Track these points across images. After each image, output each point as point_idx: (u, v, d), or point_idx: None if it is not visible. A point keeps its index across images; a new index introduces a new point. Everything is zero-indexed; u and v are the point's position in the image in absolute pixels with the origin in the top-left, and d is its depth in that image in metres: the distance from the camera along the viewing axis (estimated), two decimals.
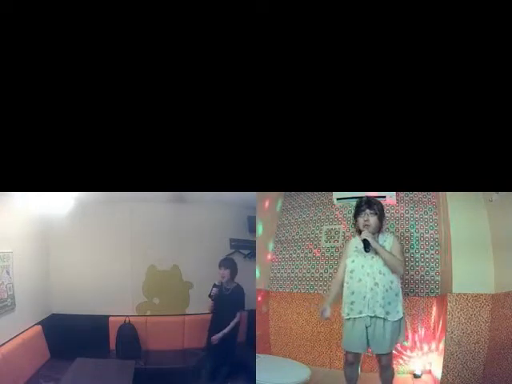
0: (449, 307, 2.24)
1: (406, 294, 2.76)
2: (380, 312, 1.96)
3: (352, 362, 2.07)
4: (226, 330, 2.49)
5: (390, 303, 1.97)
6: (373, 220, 2.01)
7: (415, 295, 2.75)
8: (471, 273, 2.25)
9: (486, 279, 2.21)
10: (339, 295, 2.11)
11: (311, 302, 3.02)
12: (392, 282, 1.99)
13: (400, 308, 2.00)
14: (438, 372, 2.35)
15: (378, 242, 2.02)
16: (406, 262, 2.21)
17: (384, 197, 2.89)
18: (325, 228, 3.16)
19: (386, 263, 1.98)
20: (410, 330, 2.68)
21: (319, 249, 3.14)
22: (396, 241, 2.10)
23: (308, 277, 3.12)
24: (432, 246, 2.81)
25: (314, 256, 3.14)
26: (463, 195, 2.33)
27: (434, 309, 2.67)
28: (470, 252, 2.28)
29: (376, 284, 1.98)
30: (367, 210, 2.02)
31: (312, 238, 3.19)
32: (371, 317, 1.97)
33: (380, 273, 1.99)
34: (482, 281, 2.21)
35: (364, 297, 1.99)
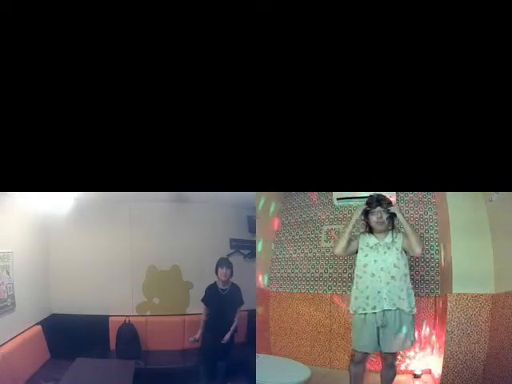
0: (449, 307, 2.24)
1: None
2: (401, 304, 1.95)
3: (360, 360, 2.05)
4: (233, 327, 2.50)
5: (409, 296, 1.99)
6: (386, 217, 2.04)
7: (415, 295, 2.73)
8: (471, 273, 2.25)
9: (486, 279, 2.21)
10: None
11: (311, 302, 3.02)
12: (406, 276, 2.01)
13: (414, 303, 2.01)
14: (437, 372, 2.35)
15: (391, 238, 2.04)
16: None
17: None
18: (325, 228, 3.16)
19: (409, 238, 1.98)
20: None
21: (319, 249, 3.14)
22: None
23: (308, 277, 3.12)
24: (432, 245, 2.81)
25: (314, 256, 3.14)
26: (463, 195, 2.33)
27: (434, 309, 2.67)
28: (470, 252, 2.28)
29: (393, 277, 1.98)
30: (379, 208, 2.04)
31: (312, 237, 3.19)
32: (387, 310, 1.95)
33: (395, 266, 1.99)
34: (481, 281, 2.21)
35: (378, 292, 1.98)
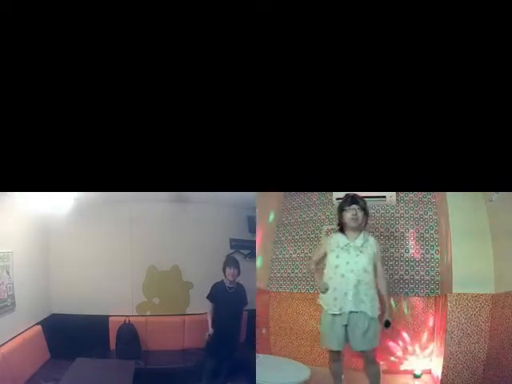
0: (449, 307, 2.24)
1: (405, 294, 2.77)
2: (364, 307, 2.00)
3: (336, 358, 2.13)
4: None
5: (372, 300, 2.02)
6: (360, 215, 2.07)
7: (415, 295, 2.75)
8: (471, 273, 2.25)
9: (486, 279, 2.21)
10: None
11: (311, 302, 3.02)
12: (373, 281, 2.06)
13: (378, 306, 2.05)
14: (438, 372, 2.36)
15: (359, 243, 2.08)
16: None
17: (384, 197, 2.90)
18: (325, 228, 3.16)
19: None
20: (410, 330, 2.70)
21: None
22: (379, 246, 2.15)
23: (308, 277, 3.12)
24: (432, 245, 2.81)
25: None
26: (463, 195, 2.33)
27: (434, 309, 2.67)
28: (470, 252, 2.28)
29: (360, 281, 2.01)
30: (354, 205, 2.07)
31: (312, 238, 3.19)
32: (353, 312, 2.00)
33: (365, 271, 2.03)
34: (481, 281, 2.21)
35: (345, 294, 2.01)
